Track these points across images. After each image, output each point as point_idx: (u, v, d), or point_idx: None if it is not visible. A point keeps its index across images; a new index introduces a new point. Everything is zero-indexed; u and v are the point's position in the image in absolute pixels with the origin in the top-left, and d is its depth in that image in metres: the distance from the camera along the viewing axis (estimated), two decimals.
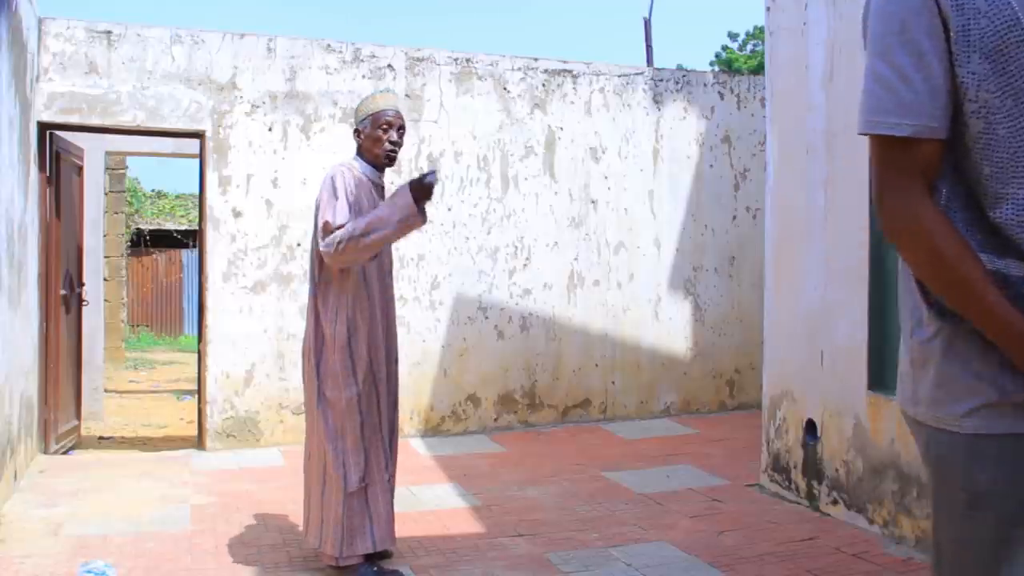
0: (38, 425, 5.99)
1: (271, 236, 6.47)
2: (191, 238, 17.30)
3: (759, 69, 21.64)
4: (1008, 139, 1.34)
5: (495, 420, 6.99)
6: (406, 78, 6.81)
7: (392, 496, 3.83)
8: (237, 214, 6.40)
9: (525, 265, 7.09)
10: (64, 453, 6.32)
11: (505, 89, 7.05)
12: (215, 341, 6.35)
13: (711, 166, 7.61)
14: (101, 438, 7.24)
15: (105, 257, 9.14)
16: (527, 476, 5.53)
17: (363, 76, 6.69)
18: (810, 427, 4.78)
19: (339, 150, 6.27)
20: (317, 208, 3.68)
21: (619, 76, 7.37)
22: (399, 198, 3.63)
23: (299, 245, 6.46)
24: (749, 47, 28.26)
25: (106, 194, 9.44)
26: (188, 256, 18.05)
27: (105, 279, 9.19)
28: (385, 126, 3.78)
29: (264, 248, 6.45)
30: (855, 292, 4.42)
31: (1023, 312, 1.33)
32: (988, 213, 1.37)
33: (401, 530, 4.11)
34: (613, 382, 7.31)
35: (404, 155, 6.49)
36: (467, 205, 6.94)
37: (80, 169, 7.10)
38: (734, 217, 7.68)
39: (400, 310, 6.53)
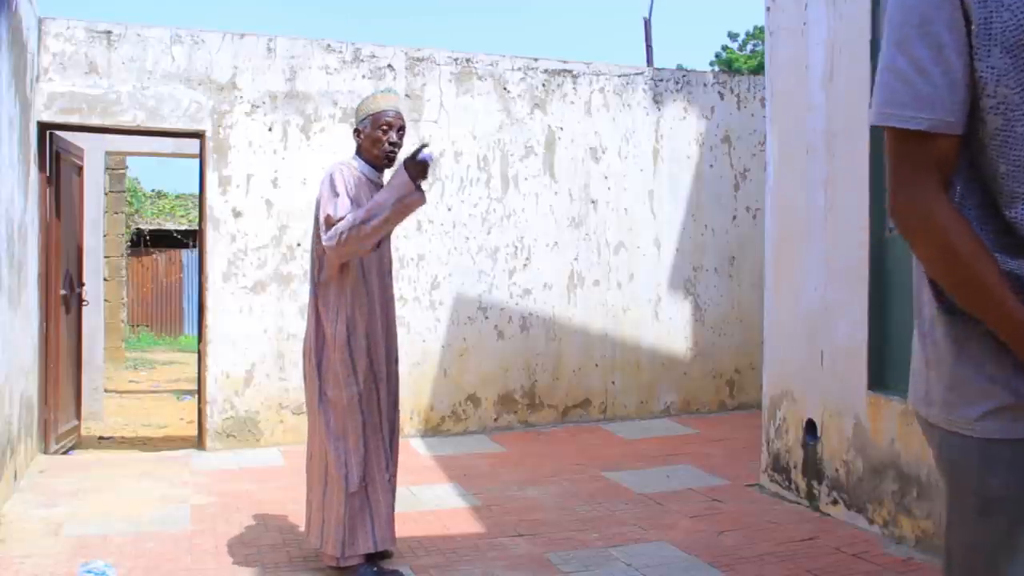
0: (38, 425, 5.99)
1: (271, 236, 6.47)
2: (191, 238, 17.30)
3: (759, 69, 21.64)
4: None
5: (495, 420, 6.99)
6: (406, 78, 6.81)
7: (393, 496, 3.83)
8: (237, 214, 6.40)
9: (525, 265, 7.09)
10: (64, 453, 6.33)
11: (505, 89, 7.05)
12: (215, 341, 6.35)
13: (711, 166, 7.61)
14: (101, 438, 7.24)
15: (105, 257, 9.14)
16: (527, 476, 5.53)
17: (363, 76, 6.69)
18: (810, 427, 4.78)
19: (339, 150, 6.27)
20: (317, 206, 3.69)
21: (619, 76, 7.37)
22: (395, 179, 3.63)
23: (299, 245, 6.46)
24: (749, 47, 28.26)
25: (106, 194, 9.44)
26: (188, 256, 18.05)
27: (105, 279, 9.19)
28: (385, 127, 3.78)
29: (264, 248, 6.45)
30: (855, 292, 4.42)
31: None
32: (1003, 212, 1.34)
33: (401, 530, 4.11)
34: (613, 382, 7.31)
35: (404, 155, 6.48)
36: (467, 205, 6.94)
37: (80, 169, 7.10)
38: (734, 217, 7.68)
39: (400, 310, 6.53)
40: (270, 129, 6.48)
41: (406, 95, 6.73)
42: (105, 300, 9.12)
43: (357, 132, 3.86)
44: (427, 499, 5.02)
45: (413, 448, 6.32)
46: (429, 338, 6.84)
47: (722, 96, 7.65)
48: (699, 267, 7.58)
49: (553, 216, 7.16)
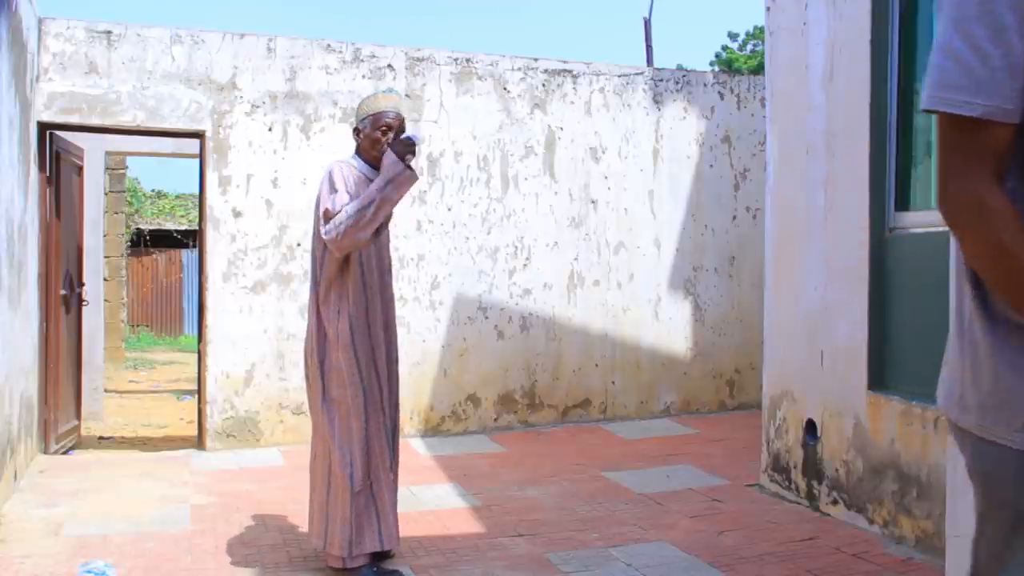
0: (38, 425, 5.99)
1: (271, 236, 6.47)
2: (191, 238, 17.30)
3: (759, 69, 21.64)
4: None
5: (495, 420, 6.99)
6: (406, 78, 6.81)
7: (396, 495, 3.83)
8: (237, 214, 6.40)
9: (525, 265, 7.09)
10: (64, 453, 6.32)
11: (505, 89, 7.05)
12: (215, 341, 6.35)
13: (711, 166, 7.61)
14: (101, 438, 7.24)
15: (105, 257, 9.14)
16: (527, 476, 5.53)
17: (363, 76, 6.69)
18: (810, 427, 4.78)
19: (339, 150, 6.27)
20: (317, 204, 3.70)
21: (619, 76, 7.37)
22: (384, 161, 3.64)
23: (299, 245, 6.46)
24: (749, 47, 28.27)
25: (106, 194, 9.44)
26: (188, 256, 18.06)
27: (105, 279, 9.19)
28: (384, 128, 3.78)
29: (264, 248, 6.45)
30: (855, 292, 4.42)
31: None
32: None
33: (401, 530, 4.11)
34: (613, 382, 7.31)
35: None
36: (467, 205, 6.94)
37: (80, 169, 7.10)
38: (734, 217, 7.68)
39: (400, 310, 6.53)
40: (270, 129, 6.48)
41: (406, 95, 6.73)
42: (105, 300, 9.12)
43: (357, 131, 3.86)
44: (427, 499, 5.02)
45: (413, 448, 6.32)
46: (429, 338, 6.84)
47: (722, 96, 7.65)
48: (699, 267, 7.58)
49: (553, 216, 7.16)
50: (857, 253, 4.41)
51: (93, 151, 8.07)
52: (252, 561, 3.98)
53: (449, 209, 6.89)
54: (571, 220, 7.21)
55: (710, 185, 7.59)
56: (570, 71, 7.24)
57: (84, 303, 7.13)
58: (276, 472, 5.72)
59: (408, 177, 3.62)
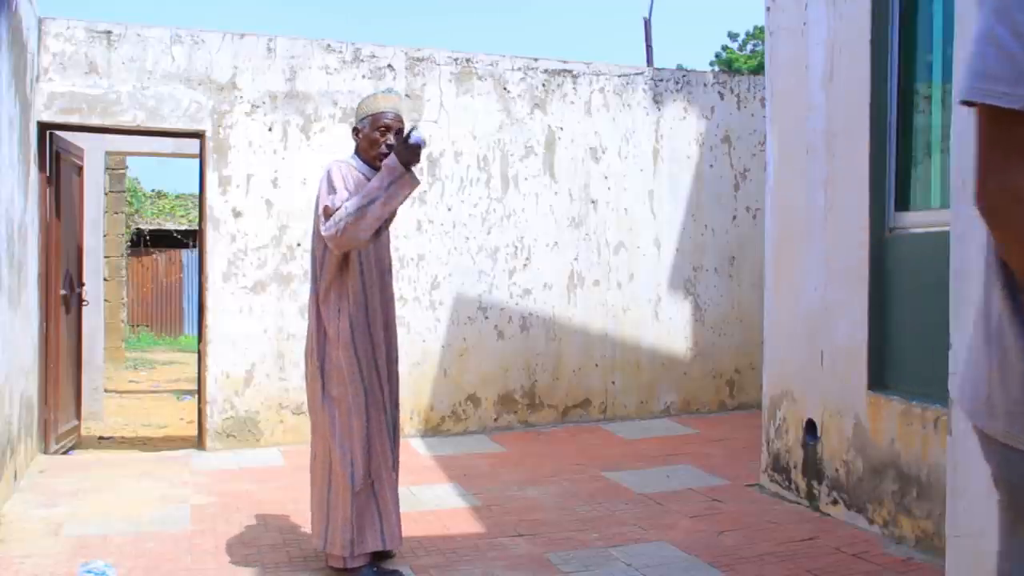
0: (38, 425, 5.99)
1: (271, 236, 6.47)
2: (191, 238, 17.31)
3: (759, 69, 21.63)
4: None
5: (495, 420, 6.99)
6: (406, 78, 6.81)
7: (398, 495, 3.83)
8: (237, 214, 6.40)
9: (525, 265, 7.09)
10: (64, 453, 6.33)
11: (505, 89, 7.05)
12: (215, 341, 6.35)
13: (711, 166, 7.61)
14: (101, 438, 7.24)
15: (105, 257, 9.14)
16: (527, 476, 5.53)
17: (363, 76, 6.69)
18: (810, 427, 4.78)
19: (339, 150, 6.26)
20: (317, 203, 3.70)
21: (619, 76, 7.37)
22: (387, 163, 3.62)
23: (299, 245, 6.46)
24: (749, 47, 28.26)
25: (106, 194, 9.44)
26: (188, 256, 18.06)
27: (105, 279, 9.19)
28: (383, 128, 3.77)
29: (264, 248, 6.45)
30: (855, 292, 4.41)
31: None
32: None
33: (402, 530, 4.11)
34: (613, 382, 7.31)
35: None
36: (467, 205, 6.94)
37: (80, 169, 7.10)
38: (734, 217, 7.68)
39: (400, 310, 6.53)
40: (270, 129, 6.48)
41: (406, 95, 6.73)
42: (105, 300, 9.12)
43: (356, 131, 3.86)
44: (427, 499, 5.02)
45: (413, 448, 6.32)
46: (429, 338, 6.84)
47: (722, 96, 7.65)
48: (699, 267, 7.58)
49: (553, 216, 7.16)
50: (857, 253, 4.41)
51: (93, 151, 8.07)
52: (252, 561, 3.98)
53: (449, 209, 6.89)
54: (571, 220, 7.21)
55: (710, 185, 7.59)
56: (570, 71, 7.24)
57: (84, 303, 7.13)
58: (276, 472, 5.72)
59: (408, 183, 3.60)
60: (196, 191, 11.75)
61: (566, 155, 7.20)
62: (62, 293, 6.38)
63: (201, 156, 6.49)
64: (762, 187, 6.19)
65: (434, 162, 6.84)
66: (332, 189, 3.64)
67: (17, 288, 5.19)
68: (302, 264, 6.39)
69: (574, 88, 7.23)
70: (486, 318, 6.98)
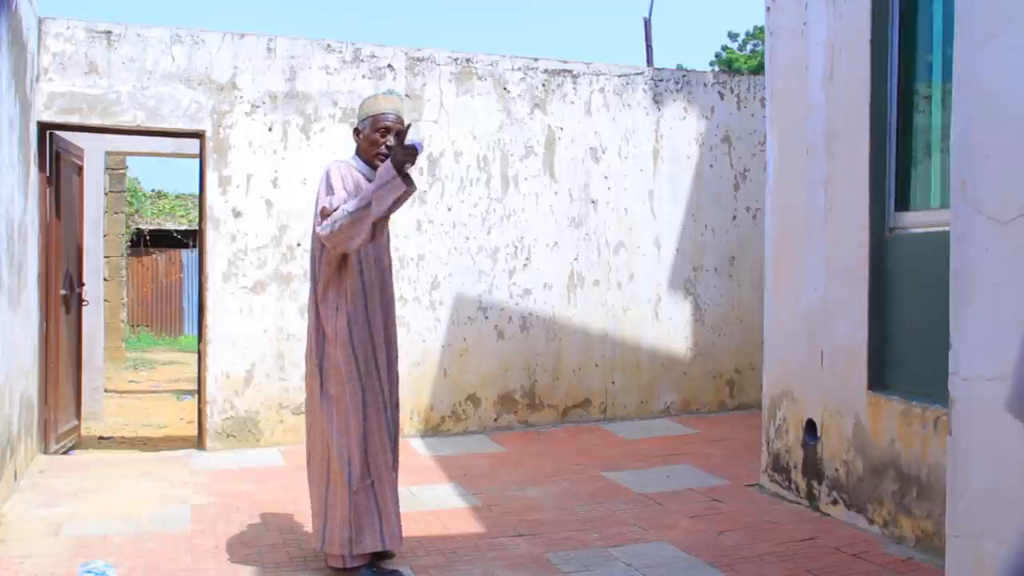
0: (38, 425, 5.99)
1: (271, 236, 6.47)
2: (191, 238, 17.31)
3: (759, 69, 21.63)
4: None
5: (495, 420, 6.99)
6: (406, 78, 6.81)
7: (397, 495, 3.83)
8: (237, 214, 6.40)
9: (525, 265, 7.09)
10: (64, 453, 6.33)
11: (505, 89, 7.05)
12: (215, 341, 6.35)
13: (711, 166, 7.61)
14: (101, 438, 7.24)
15: (105, 257, 9.14)
16: (527, 476, 5.53)
17: (363, 76, 6.69)
18: (810, 427, 4.78)
19: (339, 150, 6.27)
20: (316, 203, 3.70)
21: (619, 76, 7.37)
22: (383, 167, 3.60)
23: (299, 245, 6.46)
24: (749, 47, 28.26)
25: (106, 194, 9.45)
26: (188, 256, 18.06)
27: (105, 279, 9.19)
28: (383, 130, 3.78)
29: (264, 248, 6.46)
30: (855, 292, 4.42)
31: None
32: None
33: (402, 530, 4.11)
34: (613, 382, 7.31)
35: None
36: (467, 205, 6.94)
37: (80, 169, 7.11)
38: (734, 217, 7.68)
39: (400, 310, 6.53)
40: (270, 129, 6.48)
41: (406, 95, 6.73)
42: (105, 300, 9.13)
43: (357, 132, 3.87)
44: (427, 499, 5.02)
45: (413, 448, 6.32)
46: (429, 338, 6.84)
47: (722, 96, 7.65)
48: (699, 267, 7.58)
49: (553, 216, 7.16)
50: (857, 253, 4.41)
51: (93, 151, 8.07)
52: (252, 561, 3.98)
53: (449, 209, 6.89)
54: (571, 220, 7.21)
55: (710, 185, 7.59)
56: (570, 71, 7.24)
57: (84, 303, 7.13)
58: (276, 472, 5.72)
59: (400, 186, 3.52)
60: (196, 191, 11.75)
61: (566, 155, 7.20)
62: (62, 293, 6.38)
63: (201, 156, 6.49)
64: (762, 187, 6.19)
65: (434, 162, 6.84)
66: (330, 190, 3.64)
67: (17, 288, 5.19)
68: (302, 264, 6.39)
69: (574, 88, 7.23)
70: (486, 318, 6.98)
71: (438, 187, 6.86)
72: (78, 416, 6.92)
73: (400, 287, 6.61)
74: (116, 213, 10.72)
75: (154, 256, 18.12)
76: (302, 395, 5.70)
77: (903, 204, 4.35)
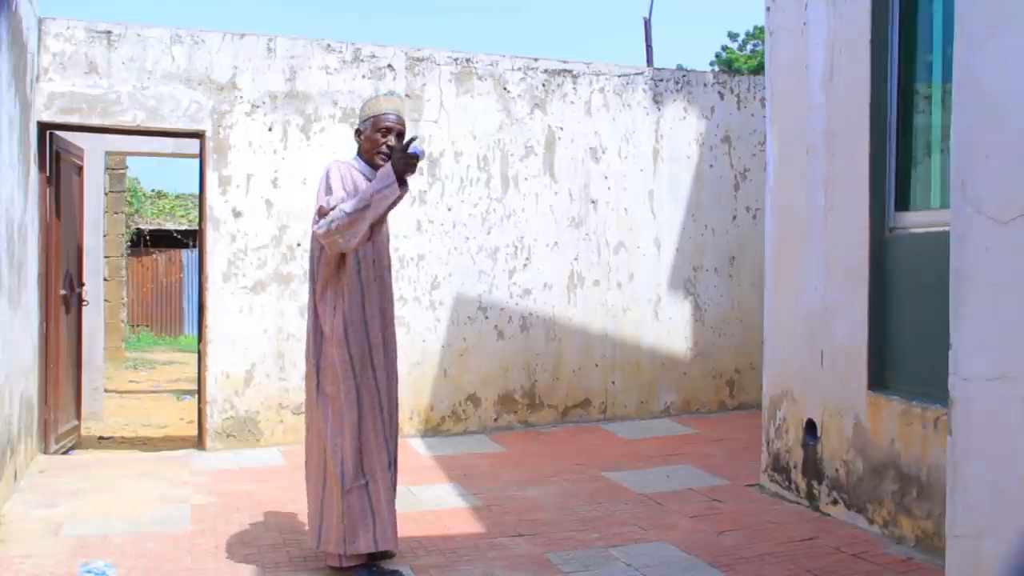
0: (38, 425, 5.99)
1: (271, 236, 6.47)
2: (191, 238, 17.31)
3: (759, 69, 21.64)
4: None
5: (495, 420, 6.99)
6: (406, 78, 6.81)
7: (394, 496, 3.83)
8: (237, 214, 6.40)
9: (525, 265, 7.09)
10: (64, 453, 6.33)
11: (505, 89, 7.05)
12: (215, 341, 6.35)
13: (711, 166, 7.61)
14: (101, 438, 7.24)
15: (105, 257, 9.14)
16: (527, 476, 5.53)
17: (363, 76, 6.69)
18: (810, 427, 4.78)
19: (339, 150, 6.27)
20: (316, 202, 3.71)
21: (619, 76, 7.37)
22: (382, 170, 3.61)
23: (299, 245, 6.46)
24: (749, 47, 28.26)
25: (106, 194, 9.45)
26: (188, 256, 18.07)
27: (105, 279, 9.19)
28: (384, 130, 3.79)
29: (264, 248, 6.46)
30: (855, 292, 4.42)
31: None
32: None
33: (401, 530, 4.11)
34: (613, 382, 7.31)
35: None
36: (467, 205, 6.94)
37: (80, 169, 7.11)
38: (734, 217, 7.68)
39: (400, 310, 6.53)
40: (270, 129, 6.48)
41: (406, 95, 6.73)
42: (105, 300, 9.13)
43: (358, 133, 3.88)
44: (427, 499, 5.02)
45: (413, 448, 6.32)
46: (429, 338, 6.84)
47: (722, 96, 7.65)
48: (699, 267, 7.58)
49: (553, 216, 7.16)
50: (857, 253, 4.41)
51: (93, 151, 8.07)
52: (252, 561, 3.98)
53: (449, 209, 6.89)
54: (571, 220, 7.21)
55: (710, 185, 7.59)
56: (570, 71, 7.24)
57: (84, 303, 7.13)
58: (276, 472, 5.72)
59: (394, 191, 3.54)
60: (196, 191, 11.75)
61: (566, 155, 7.20)
62: (62, 293, 6.38)
63: (201, 156, 6.49)
64: (762, 187, 6.19)
65: (434, 162, 6.84)
66: (329, 189, 3.65)
67: (17, 288, 5.19)
68: (302, 264, 6.39)
69: (574, 88, 7.23)
70: (486, 318, 6.98)
71: (438, 187, 6.86)
72: (78, 416, 6.92)
73: (400, 287, 6.61)
74: (116, 213, 10.72)
75: (154, 256, 18.12)
76: (302, 395, 5.71)
77: (903, 204, 4.35)
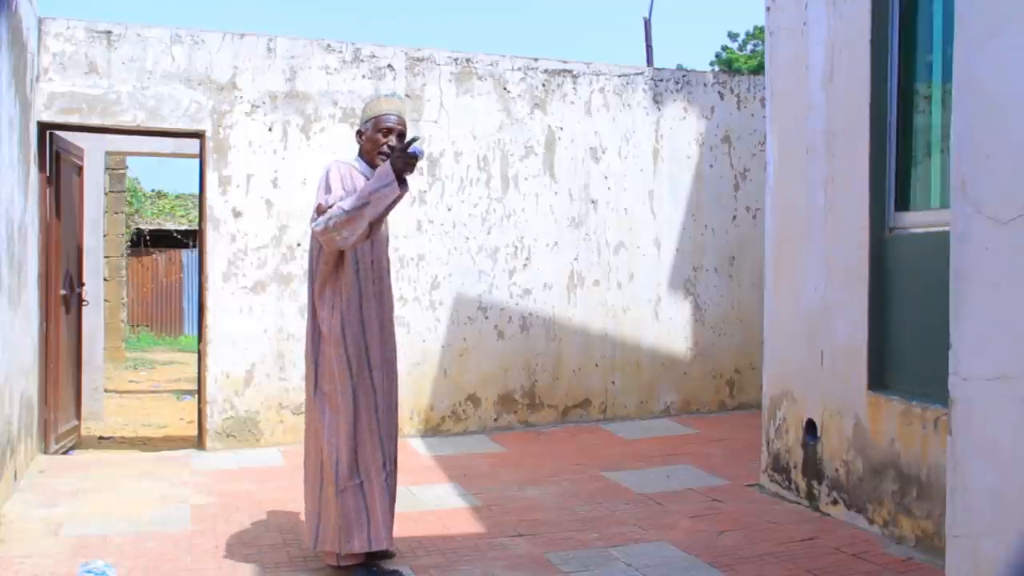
0: (38, 425, 5.99)
1: (271, 236, 6.47)
2: (191, 238, 17.32)
3: (759, 69, 21.64)
4: None
5: (495, 420, 6.99)
6: (406, 78, 6.81)
7: (391, 496, 3.82)
8: (237, 214, 6.40)
9: (525, 265, 7.09)
10: (64, 453, 6.33)
11: (505, 89, 7.06)
12: (215, 341, 6.35)
13: (711, 166, 7.61)
14: (101, 438, 7.24)
15: (105, 257, 9.15)
16: (527, 476, 5.53)
17: (363, 76, 6.69)
18: (810, 427, 4.78)
19: (339, 150, 6.28)
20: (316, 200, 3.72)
21: (619, 76, 7.37)
22: (381, 169, 3.61)
23: (299, 245, 6.46)
24: (749, 47, 28.26)
25: (106, 194, 9.45)
26: (188, 256, 18.07)
27: (105, 279, 9.20)
28: (385, 130, 3.80)
29: (264, 248, 6.46)
30: (855, 292, 4.42)
31: None
32: None
33: (401, 530, 4.11)
34: (613, 382, 7.31)
35: None
36: (467, 205, 6.94)
37: (80, 169, 7.10)
38: (734, 217, 7.68)
39: (400, 310, 6.54)
40: (270, 129, 6.48)
41: (406, 95, 6.73)
42: (105, 300, 9.13)
43: (359, 133, 3.89)
44: (427, 499, 5.02)
45: (413, 448, 6.32)
46: (429, 338, 6.84)
47: (722, 96, 7.65)
48: (699, 267, 7.58)
49: (553, 216, 7.16)
50: (857, 253, 4.41)
51: (93, 151, 8.07)
52: (252, 561, 3.98)
53: (449, 209, 6.89)
54: (571, 220, 7.21)
55: (710, 185, 7.59)
56: (570, 71, 7.24)
57: (84, 303, 7.13)
58: (276, 472, 5.72)
59: (393, 191, 3.54)
60: (196, 191, 11.75)
61: (566, 155, 7.20)
62: (62, 293, 6.38)
63: (201, 156, 6.49)
64: (762, 187, 6.19)
65: (434, 162, 6.84)
66: (328, 188, 3.66)
67: (17, 288, 5.19)
68: (302, 264, 6.39)
69: (574, 88, 7.23)
70: (486, 318, 6.98)
71: (438, 187, 6.86)
72: (78, 416, 6.92)
73: (400, 287, 6.61)
74: (116, 213, 10.72)
75: (154, 256, 18.12)
76: (302, 395, 5.71)
77: (903, 204, 4.35)
